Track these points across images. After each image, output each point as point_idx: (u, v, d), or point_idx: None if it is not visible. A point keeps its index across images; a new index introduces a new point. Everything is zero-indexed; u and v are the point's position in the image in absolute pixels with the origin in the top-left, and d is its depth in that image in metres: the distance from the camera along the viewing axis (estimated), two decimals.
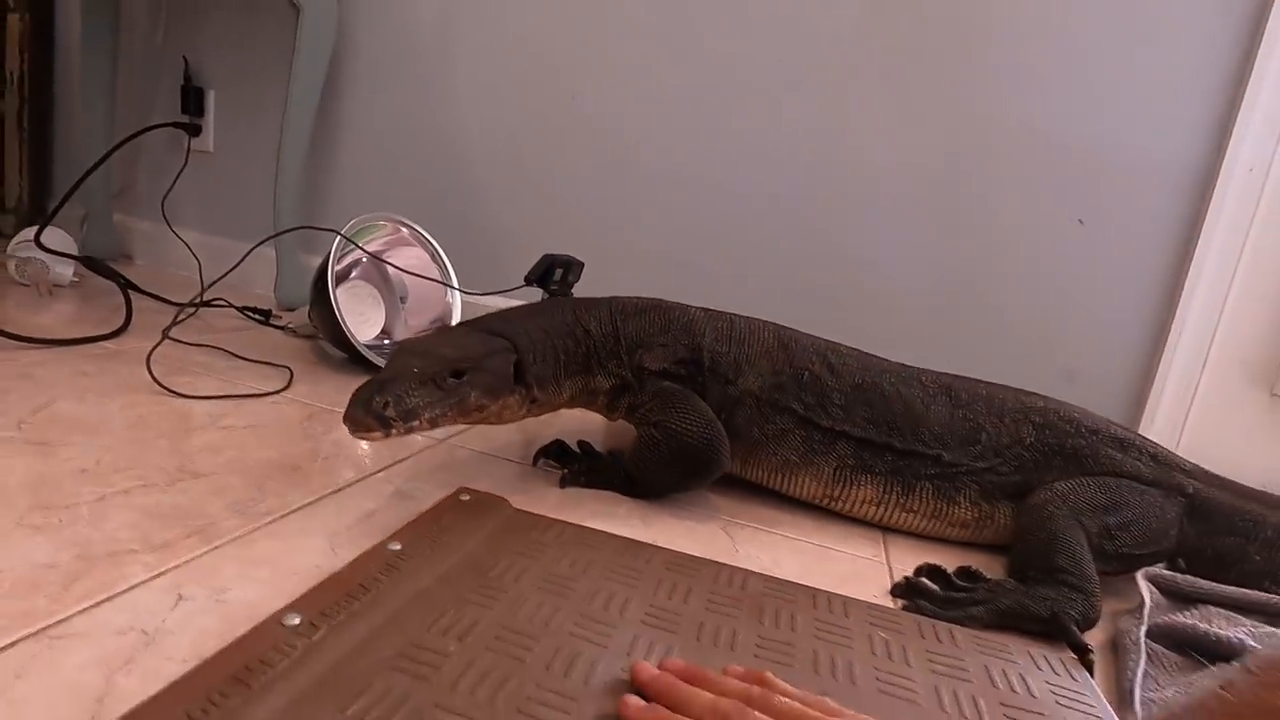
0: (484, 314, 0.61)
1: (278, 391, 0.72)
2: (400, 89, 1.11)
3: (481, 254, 1.08)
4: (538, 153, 1.05)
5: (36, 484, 0.46)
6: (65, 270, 0.99)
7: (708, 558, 0.49)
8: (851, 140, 0.93)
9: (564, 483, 0.60)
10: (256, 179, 1.20)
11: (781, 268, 0.98)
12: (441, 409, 0.49)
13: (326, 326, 0.85)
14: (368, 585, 0.37)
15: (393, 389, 0.46)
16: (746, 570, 0.48)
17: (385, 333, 0.95)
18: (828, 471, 0.61)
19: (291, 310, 1.08)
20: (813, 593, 0.46)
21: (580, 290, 0.95)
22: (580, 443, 0.67)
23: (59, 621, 0.33)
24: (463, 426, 0.69)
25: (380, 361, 0.83)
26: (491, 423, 0.56)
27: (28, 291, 0.96)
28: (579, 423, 0.77)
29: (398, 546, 0.41)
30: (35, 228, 0.97)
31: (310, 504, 0.49)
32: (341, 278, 0.90)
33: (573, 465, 0.63)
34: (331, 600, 0.35)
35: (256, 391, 0.70)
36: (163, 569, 0.39)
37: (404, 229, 0.93)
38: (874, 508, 0.62)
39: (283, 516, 0.47)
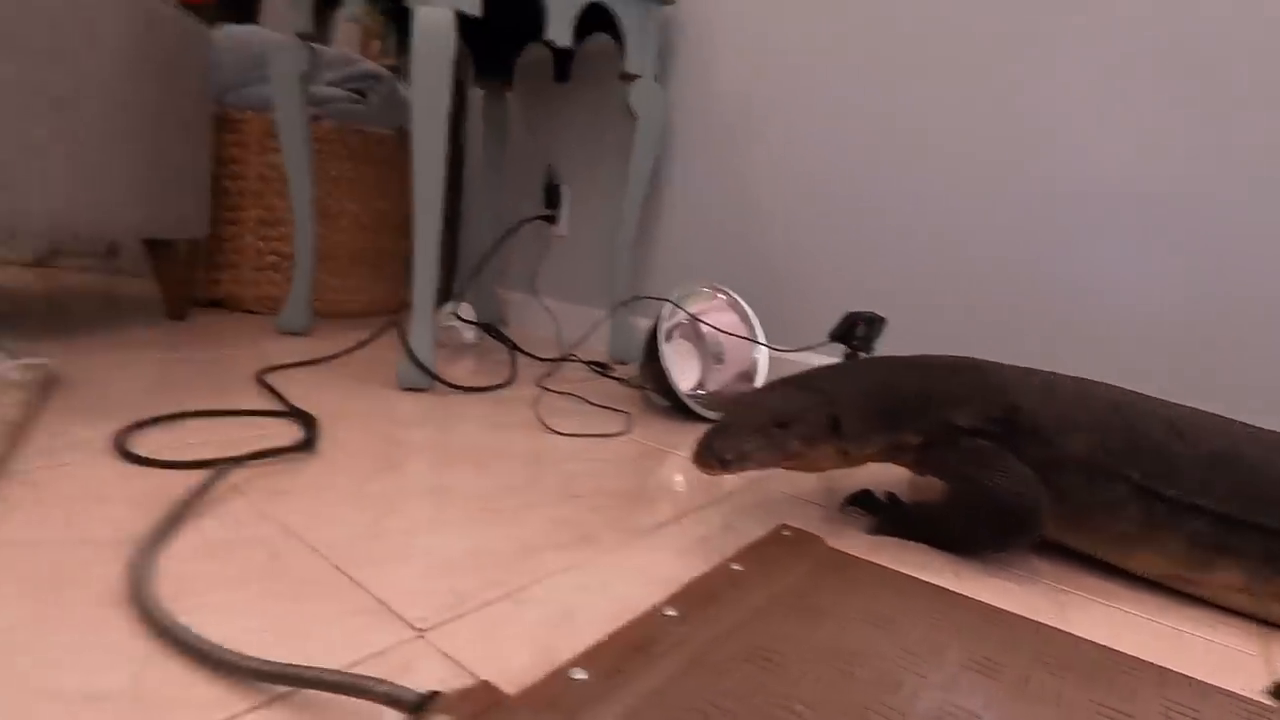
0: (802, 371, 0.69)
1: (621, 434, 0.87)
2: (711, 167, 1.27)
3: (787, 313, 1.17)
4: (836, 214, 1.12)
5: (481, 492, 0.64)
6: (470, 334, 1.31)
7: (1029, 617, 0.49)
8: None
9: (873, 530, 0.64)
10: (597, 256, 1.46)
11: (1128, 329, 0.89)
12: (767, 454, 0.57)
13: (654, 379, 1.00)
14: (718, 594, 0.45)
15: (731, 436, 0.55)
16: (1076, 635, 0.46)
17: (700, 385, 1.08)
18: (1176, 549, 0.56)
19: (623, 364, 1.29)
20: (1160, 670, 0.43)
21: (884, 347, 0.98)
22: (887, 493, 0.70)
23: (514, 591, 0.47)
24: (775, 471, 0.77)
25: (698, 409, 0.96)
26: (807, 470, 0.63)
27: (446, 351, 1.29)
28: (881, 473, 0.80)
29: (739, 568, 0.50)
30: (452, 303, 1.31)
31: (660, 526, 0.60)
32: (666, 337, 1.05)
33: (881, 514, 0.66)
34: (694, 601, 0.44)
35: (607, 432, 0.87)
36: (567, 565, 0.52)
37: (720, 294, 1.06)
38: (1240, 595, 0.54)
39: (641, 535, 0.58)
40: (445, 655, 0.39)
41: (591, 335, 1.45)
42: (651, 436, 0.88)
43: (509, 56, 1.46)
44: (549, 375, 1.15)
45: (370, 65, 1.48)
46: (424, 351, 0.96)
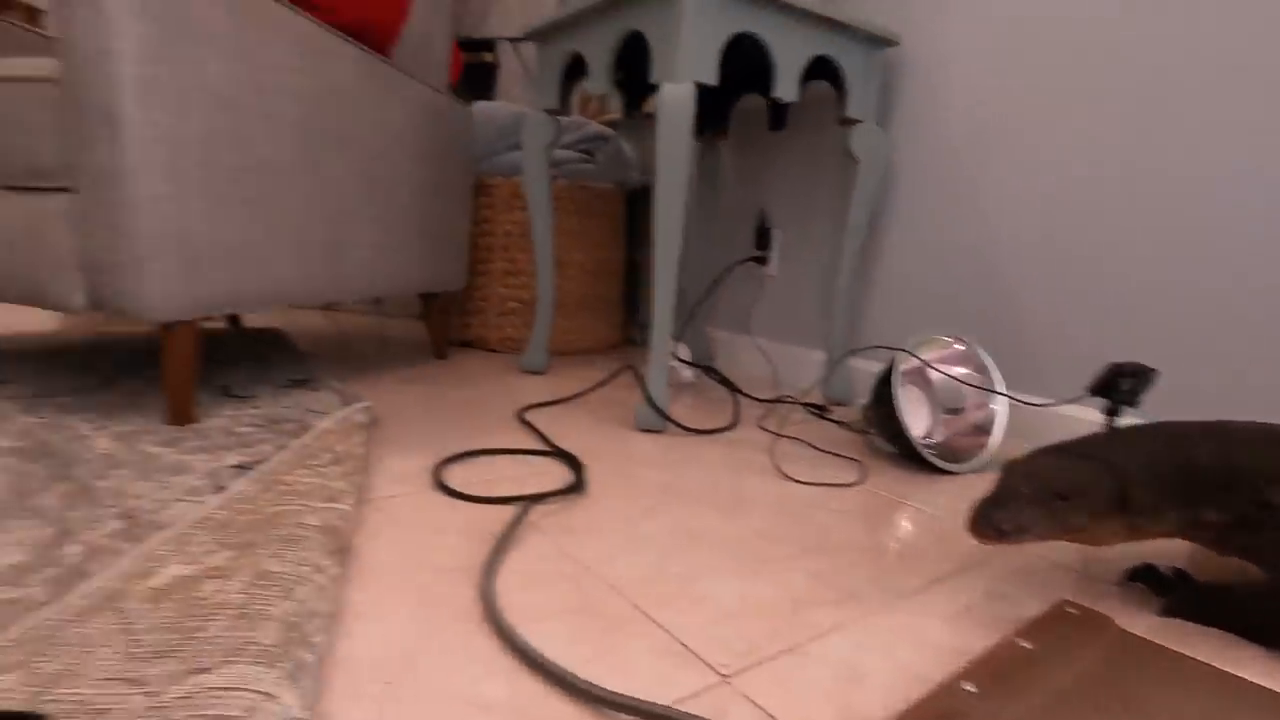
0: (1079, 437, 0.65)
1: (856, 483, 0.88)
2: (938, 207, 1.23)
3: (1031, 362, 1.11)
4: (1087, 254, 1.04)
5: (739, 538, 0.68)
6: (688, 374, 1.39)
7: None
8: None
9: (1165, 611, 0.59)
10: (808, 296, 1.47)
11: None
12: (1047, 527, 0.55)
13: (882, 424, 0.99)
14: (1014, 673, 0.45)
15: (1009, 507, 0.55)
16: None
17: (928, 434, 1.05)
18: None
19: (839, 405, 1.28)
20: None
21: (1152, 401, 0.90)
22: (1173, 569, 0.64)
23: (799, 645, 0.50)
24: None
25: (932, 459, 0.93)
26: (1087, 543, 0.60)
27: (668, 390, 1.37)
28: (1159, 545, 0.73)
29: (1028, 645, 0.49)
30: (670, 344, 1.39)
31: (923, 587, 0.61)
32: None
33: (1172, 593, 0.60)
34: (992, 677, 0.44)
35: (843, 481, 0.88)
36: (841, 621, 0.54)
37: (958, 343, 1.03)
38: None
39: (905, 595, 0.59)
40: (753, 703, 0.43)
41: (803, 375, 1.46)
42: (887, 486, 0.87)
43: (725, 108, 1.53)
44: (767, 416, 1.18)
45: (597, 127, 1.63)
46: (660, 395, 1.04)
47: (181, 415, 0.85)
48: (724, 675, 0.46)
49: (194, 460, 0.74)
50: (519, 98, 2.21)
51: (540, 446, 0.92)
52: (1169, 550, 0.72)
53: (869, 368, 1.34)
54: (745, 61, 1.32)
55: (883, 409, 0.97)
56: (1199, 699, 0.44)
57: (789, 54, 1.06)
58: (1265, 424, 0.61)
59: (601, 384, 1.20)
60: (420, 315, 2.07)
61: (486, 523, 0.67)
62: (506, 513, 0.70)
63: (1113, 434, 0.63)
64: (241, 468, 0.72)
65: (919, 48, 1.25)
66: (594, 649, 0.48)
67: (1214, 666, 0.49)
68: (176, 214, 0.78)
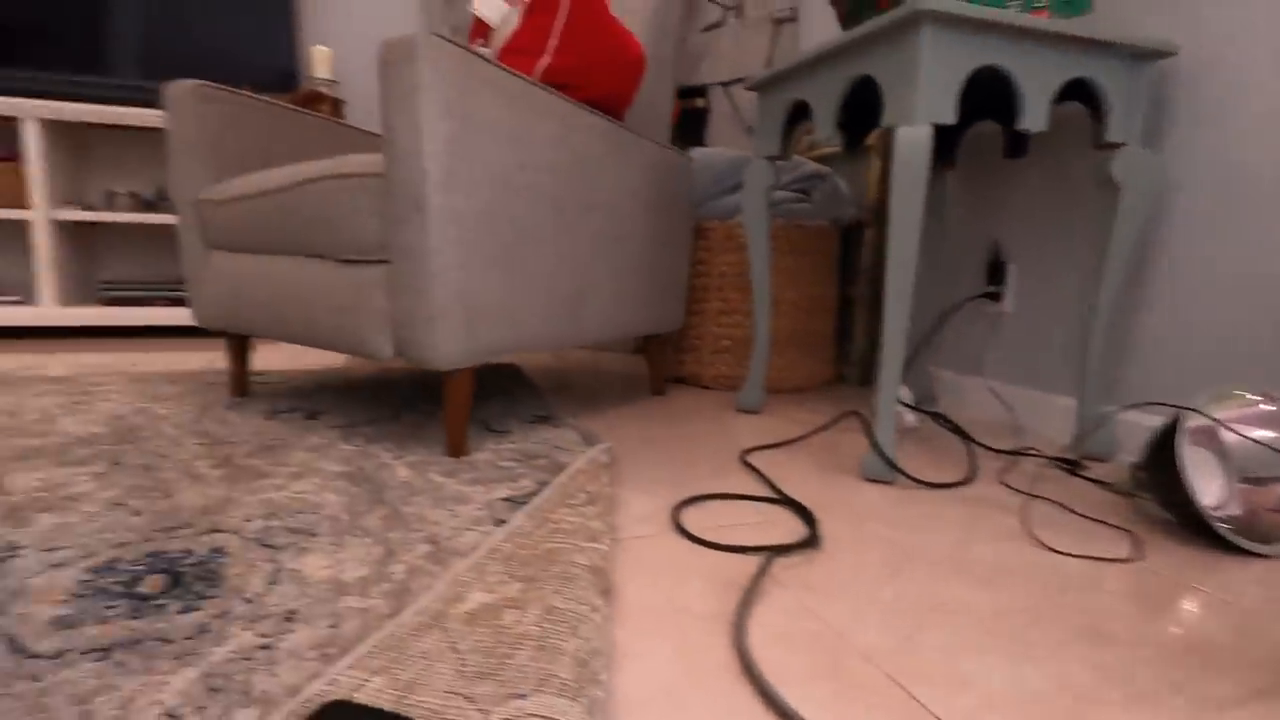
0: None
1: (1130, 560, 0.78)
2: (1226, 240, 1.06)
3: None
4: None
5: (996, 613, 0.64)
6: (910, 418, 1.32)
7: None
8: None
9: None
10: (1053, 335, 1.34)
11: None
12: None
13: (1161, 489, 0.87)
14: None
15: None
16: None
17: (1219, 505, 0.90)
18: None
19: (1096, 460, 1.14)
20: None
21: None
22: None
23: None
24: None
25: (1232, 537, 0.80)
26: None
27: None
28: None
29: None
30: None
31: (1242, 701, 0.52)
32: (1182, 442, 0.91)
33: None
34: None
35: (1115, 556, 0.78)
36: None
37: (1266, 403, 0.87)
38: None
39: (1219, 708, 0.51)
40: None
41: (1045, 423, 1.32)
42: (1171, 565, 0.76)
43: (954, 138, 1.46)
44: (1009, 470, 1.09)
45: (814, 166, 1.63)
46: (889, 445, 1.00)
47: (457, 449, 0.98)
48: None
49: (471, 491, 0.85)
50: (730, 140, 2.28)
51: (767, 493, 0.93)
52: None
53: (1137, 420, 1.18)
54: (981, 89, 1.25)
55: (1161, 472, 0.85)
56: None
57: (1038, 82, 0.99)
58: None
59: (823, 428, 1.19)
60: (635, 350, 2.19)
61: (727, 569, 0.70)
62: (745, 560, 0.72)
63: None
64: (510, 500, 0.82)
65: (1200, 56, 1.10)
66: None
67: None
68: (461, 279, 0.92)
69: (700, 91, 2.36)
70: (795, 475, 1.02)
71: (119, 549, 0.66)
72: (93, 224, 2.31)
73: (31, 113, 1.97)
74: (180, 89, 1.17)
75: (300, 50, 2.54)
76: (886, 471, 1.00)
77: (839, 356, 1.95)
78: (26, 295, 2.18)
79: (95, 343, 2.10)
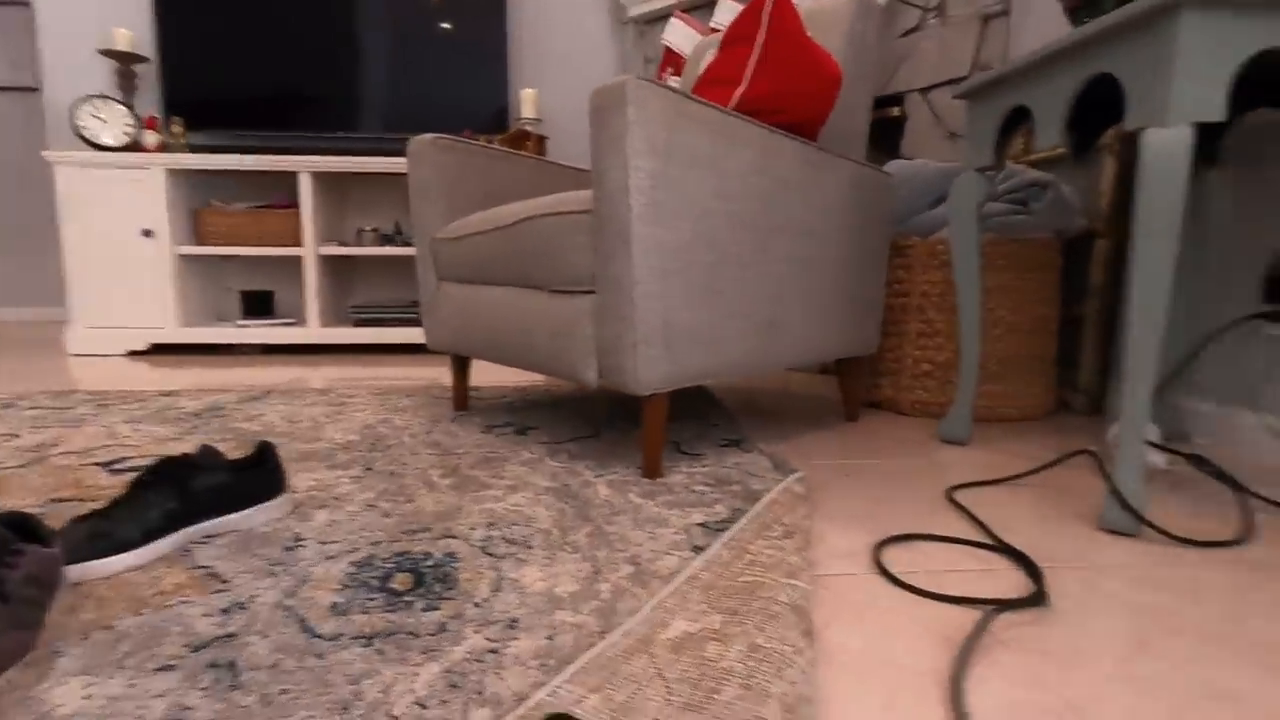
0: None
1: None
2: None
3: None
4: None
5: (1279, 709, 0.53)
6: (1159, 459, 1.14)
7: None
8: None
9: None
10: None
11: None
12: None
13: None
14: None
15: None
16: None
17: None
18: None
19: None
20: None
21: None
22: None
23: None
24: None
25: None
26: None
27: None
28: None
29: None
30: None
31: None
32: None
33: None
34: None
35: None
36: None
37: None
38: None
39: None
40: None
41: None
42: None
43: (1218, 130, 1.25)
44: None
45: (1033, 174, 1.48)
46: (1133, 489, 0.87)
47: (654, 470, 1.02)
48: None
49: (669, 514, 0.87)
50: (930, 149, 2.14)
51: (980, 537, 0.85)
52: None
53: None
54: (1258, 71, 1.06)
55: None
56: None
57: None
58: None
59: (1048, 466, 1.07)
60: (822, 370, 2.12)
61: (939, 620, 0.65)
62: (958, 612, 0.67)
63: None
64: (705, 526, 0.83)
65: None
66: None
67: None
68: (662, 308, 0.95)
69: (896, 100, 2.24)
70: (1013, 519, 0.92)
71: (375, 546, 0.77)
72: (346, 257, 2.73)
73: (305, 166, 2.38)
74: (420, 143, 1.35)
75: (511, 93, 2.81)
76: (1130, 522, 0.87)
77: (1062, 383, 1.75)
78: (299, 318, 2.62)
79: (346, 358, 2.47)
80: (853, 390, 1.48)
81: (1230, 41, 0.81)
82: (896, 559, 0.79)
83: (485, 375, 2.06)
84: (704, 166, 0.97)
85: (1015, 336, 1.50)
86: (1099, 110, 1.24)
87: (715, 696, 0.47)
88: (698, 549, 0.76)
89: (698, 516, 0.86)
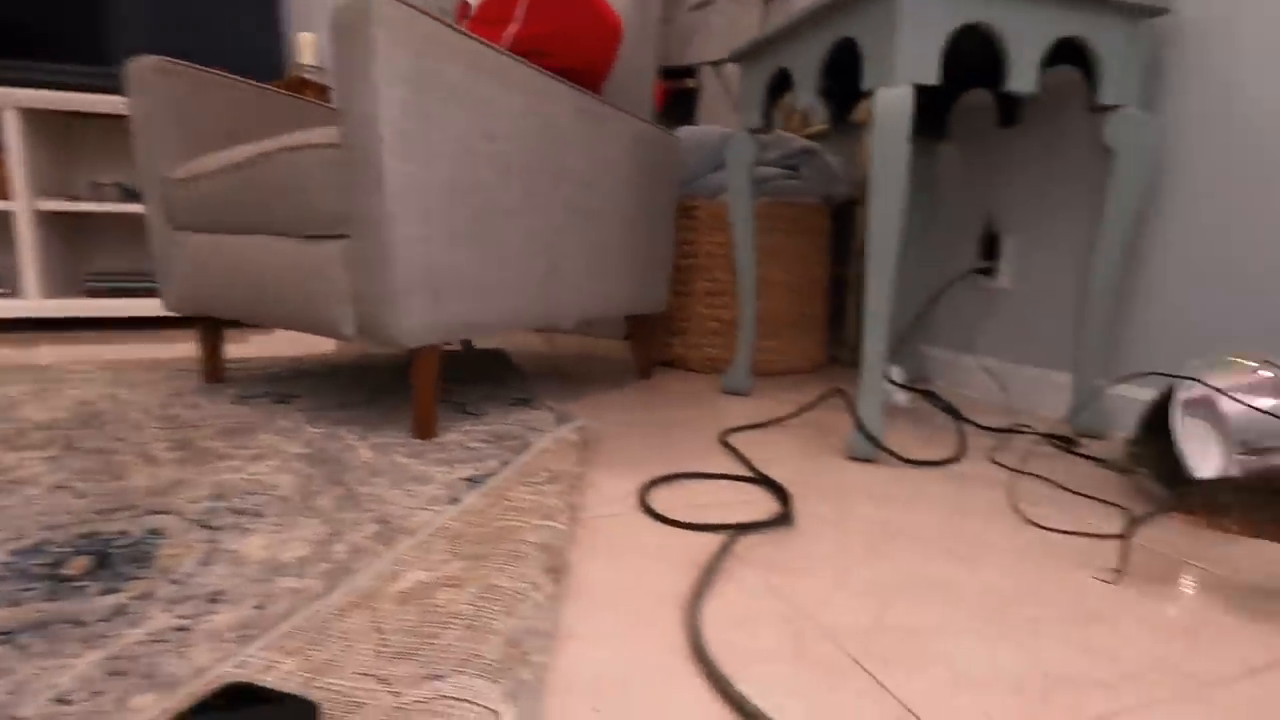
0: None
1: (1121, 535, 0.73)
2: (1225, 207, 1.02)
3: None
4: None
5: (976, 592, 0.60)
6: (901, 397, 1.28)
7: None
8: None
9: None
10: (1049, 310, 1.29)
11: None
12: (1256, 517, 0.58)
13: (1156, 463, 0.83)
14: None
15: (1210, 487, 0.59)
16: None
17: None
18: None
19: (1091, 438, 1.10)
20: None
21: None
22: None
23: None
24: None
25: None
26: None
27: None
28: None
29: None
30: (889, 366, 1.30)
31: (1232, 680, 0.48)
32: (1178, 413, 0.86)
33: None
34: None
35: (1102, 532, 0.74)
36: (1115, 709, 0.45)
37: (1264, 369, 0.83)
38: None
39: (1204, 686, 0.47)
40: None
41: (1042, 400, 1.28)
42: (1164, 541, 0.72)
43: (944, 108, 1.41)
44: (1000, 448, 1.04)
45: (802, 142, 1.58)
46: (873, 422, 0.96)
47: (426, 430, 0.95)
48: None
49: (435, 471, 0.82)
50: (723, 121, 2.23)
51: (745, 472, 0.89)
52: None
53: (1133, 395, 1.13)
54: (969, 53, 1.20)
55: (1155, 445, 0.81)
56: None
57: (1026, 41, 0.94)
58: None
59: (808, 407, 1.15)
60: (628, 336, 2.15)
61: (693, 550, 0.66)
62: (713, 540, 0.69)
63: None
64: (472, 480, 0.78)
65: (1197, 14, 1.05)
66: (811, 705, 0.44)
67: None
68: (425, 252, 0.88)
69: (690, 72, 2.31)
70: (778, 455, 0.98)
71: (51, 531, 0.63)
72: (79, 215, 2.29)
73: (12, 101, 1.95)
74: (141, 65, 1.14)
75: (285, 38, 2.51)
76: (871, 450, 0.96)
77: (833, 339, 1.91)
78: (11, 287, 2.16)
79: (84, 335, 2.08)
80: (644, 349, 1.50)
81: (942, 12, 0.90)
82: (663, 498, 0.80)
83: (268, 347, 1.83)
84: (466, 103, 0.91)
85: (790, 295, 1.61)
86: (856, 83, 1.34)
87: (434, 641, 0.44)
88: (456, 502, 0.71)
89: (466, 471, 0.82)
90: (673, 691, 0.45)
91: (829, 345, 1.78)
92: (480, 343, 2.02)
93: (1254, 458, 0.84)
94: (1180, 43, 1.07)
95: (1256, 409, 0.81)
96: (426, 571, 0.54)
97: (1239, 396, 0.83)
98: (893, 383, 1.29)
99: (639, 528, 0.71)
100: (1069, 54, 1.07)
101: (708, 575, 0.59)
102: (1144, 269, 1.13)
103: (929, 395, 1.24)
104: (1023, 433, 1.13)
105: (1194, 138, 1.06)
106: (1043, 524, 0.75)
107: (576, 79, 1.18)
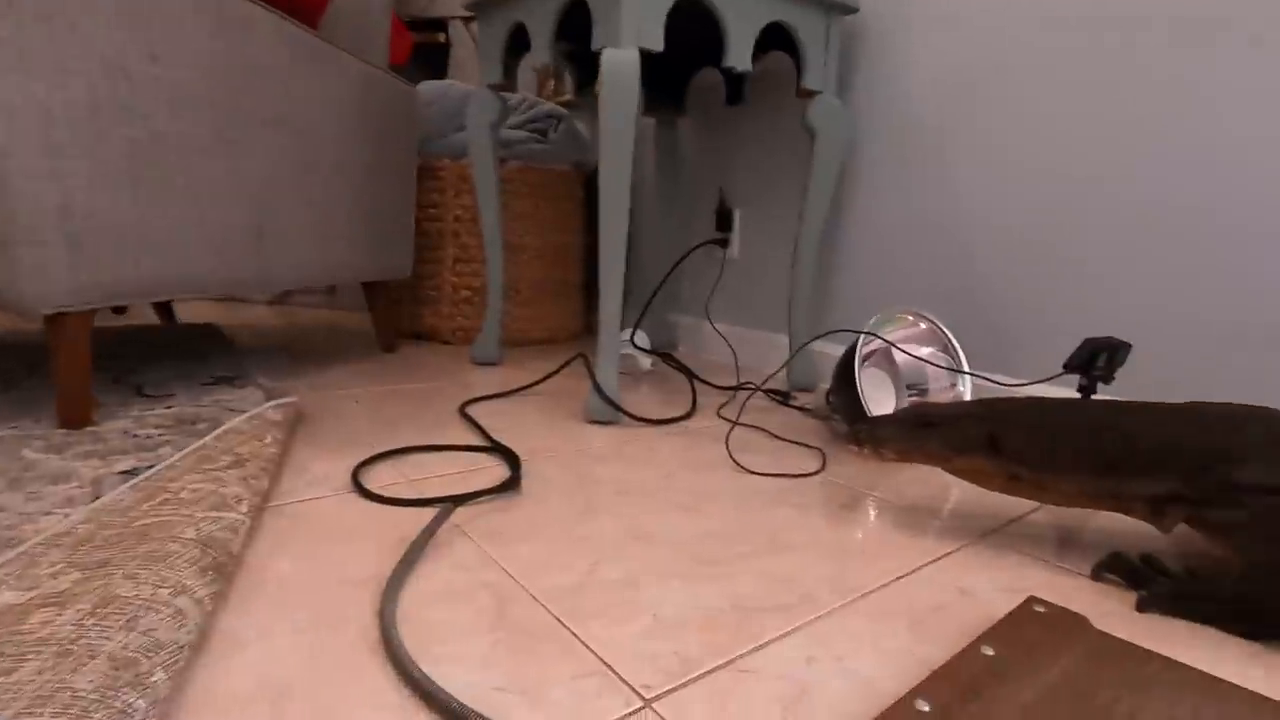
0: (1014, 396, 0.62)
1: (816, 473, 0.82)
2: (903, 183, 1.18)
3: (1002, 341, 1.06)
4: (1063, 230, 0.99)
5: (688, 539, 0.62)
6: (646, 361, 1.32)
7: None
8: None
9: (1143, 606, 0.54)
10: (773, 279, 1.42)
11: None
12: (905, 445, 0.65)
13: (846, 409, 0.94)
14: (977, 687, 0.40)
15: (875, 423, 0.67)
16: None
17: None
18: None
19: (805, 391, 1.23)
20: None
21: (1125, 375, 0.86)
22: (1144, 556, 0.60)
23: (740, 657, 0.45)
24: (1002, 528, 0.69)
25: None
26: (969, 480, 0.64)
27: (624, 379, 1.31)
28: (1139, 535, 0.69)
29: (990, 651, 0.43)
30: (628, 330, 1.33)
31: (882, 587, 0.55)
32: (861, 364, 0.99)
33: (1147, 586, 0.56)
34: (951, 693, 0.39)
35: (802, 472, 0.82)
36: (790, 628, 0.48)
37: (923, 322, 0.98)
38: None
39: (863, 596, 0.54)
40: None
41: (770, 361, 1.41)
42: (850, 476, 0.82)
43: (681, 84, 1.47)
44: (728, 405, 1.12)
45: (549, 106, 1.56)
46: (611, 385, 0.97)
47: (75, 417, 0.77)
48: (645, 699, 0.40)
49: (81, 466, 0.66)
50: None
51: (481, 443, 0.85)
52: (1148, 540, 0.67)
53: (833, 351, 1.28)
54: (699, 33, 1.26)
55: (845, 393, 0.92)
56: (1182, 708, 0.39)
57: (741, 21, 1.00)
58: (1241, 405, 0.57)
59: (552, 375, 1.14)
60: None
61: (408, 529, 0.61)
62: (431, 512, 0.63)
63: (1040, 400, 0.64)
64: (132, 473, 0.64)
65: (879, 13, 1.19)
66: (506, 674, 0.42)
67: (1197, 670, 0.44)
68: (59, 192, 0.70)
69: (440, 25, 2.17)
70: (519, 423, 0.95)
71: None
72: None
73: None
74: None
75: None
76: (610, 412, 0.97)
77: (591, 308, 1.94)
78: None
79: None
80: (386, 320, 1.38)
81: None
82: (384, 476, 0.73)
83: None
84: (115, 12, 0.74)
85: (543, 263, 1.58)
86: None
87: (2, 680, 0.33)
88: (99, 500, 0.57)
89: (125, 464, 0.67)
90: (351, 689, 0.40)
91: (586, 314, 1.80)
92: (189, 316, 1.72)
93: (918, 396, 0.99)
94: (868, 39, 1.22)
95: (917, 357, 0.96)
96: (20, 591, 0.42)
97: (904, 347, 0.97)
98: (638, 348, 1.33)
99: (348, 510, 0.64)
100: (782, 41, 1.16)
101: (413, 553, 0.54)
102: (842, 239, 1.28)
103: (669, 359, 1.30)
104: (748, 389, 1.23)
105: (877, 121, 1.21)
106: (753, 470, 0.82)
107: (290, 10, 1.02)
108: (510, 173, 1.49)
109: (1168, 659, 0.45)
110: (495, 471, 0.76)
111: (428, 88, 1.51)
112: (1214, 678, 0.43)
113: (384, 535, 0.59)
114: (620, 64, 0.89)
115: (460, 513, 0.65)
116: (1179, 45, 0.87)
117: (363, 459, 0.76)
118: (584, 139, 1.63)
